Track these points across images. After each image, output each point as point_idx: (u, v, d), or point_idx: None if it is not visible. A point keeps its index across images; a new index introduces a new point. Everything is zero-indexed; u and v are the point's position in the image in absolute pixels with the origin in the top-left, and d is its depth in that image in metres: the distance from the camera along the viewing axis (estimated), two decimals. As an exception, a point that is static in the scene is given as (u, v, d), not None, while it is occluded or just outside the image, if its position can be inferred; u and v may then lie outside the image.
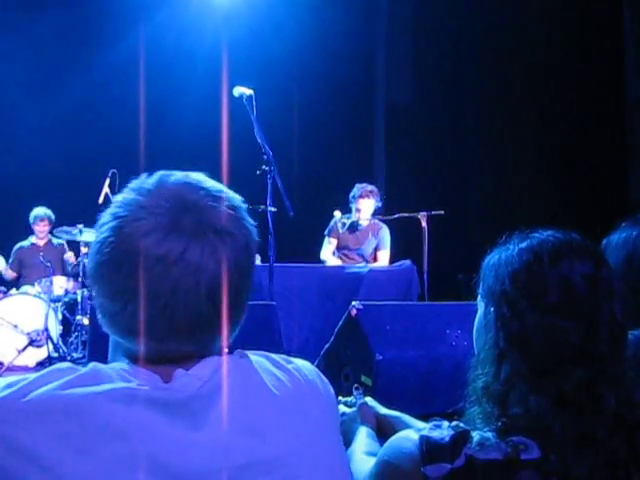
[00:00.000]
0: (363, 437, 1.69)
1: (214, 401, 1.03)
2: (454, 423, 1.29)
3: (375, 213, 7.16)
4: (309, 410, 1.11)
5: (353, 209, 7.08)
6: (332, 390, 1.20)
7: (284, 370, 1.13)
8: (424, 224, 6.30)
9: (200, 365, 1.07)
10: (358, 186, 7.05)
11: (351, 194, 7.06)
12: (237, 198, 1.15)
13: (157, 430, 0.98)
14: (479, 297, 1.45)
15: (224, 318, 1.10)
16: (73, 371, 1.02)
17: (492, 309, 1.36)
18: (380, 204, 7.11)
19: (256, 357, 1.13)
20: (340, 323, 4.46)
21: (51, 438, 0.94)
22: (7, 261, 8.09)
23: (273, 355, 1.16)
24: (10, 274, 8.08)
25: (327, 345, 4.50)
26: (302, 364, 1.18)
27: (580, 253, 1.34)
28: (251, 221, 1.15)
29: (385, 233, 7.17)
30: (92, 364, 1.04)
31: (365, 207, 7.01)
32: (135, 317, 1.05)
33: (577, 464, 1.20)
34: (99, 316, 1.12)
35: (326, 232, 7.26)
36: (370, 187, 7.05)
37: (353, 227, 7.14)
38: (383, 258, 7.15)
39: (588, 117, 8.00)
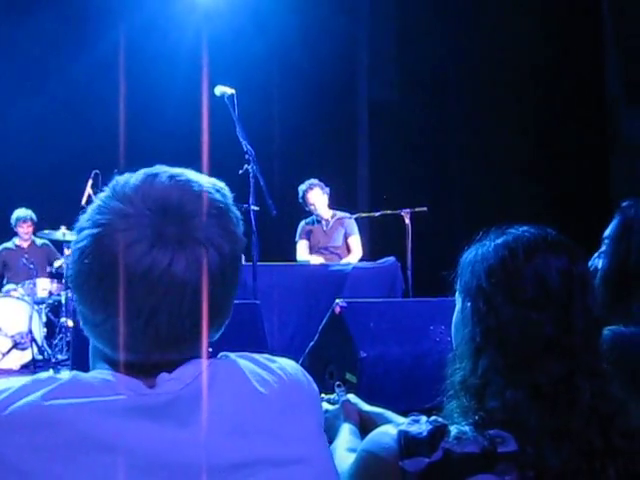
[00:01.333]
0: (346, 434, 1.70)
1: (199, 402, 1.02)
2: (432, 418, 1.30)
3: (336, 208, 7.29)
4: (295, 409, 1.10)
5: (310, 209, 7.21)
6: (316, 388, 1.19)
7: (268, 370, 1.12)
8: (407, 221, 6.32)
9: (184, 368, 1.05)
10: (299, 188, 7.21)
11: (299, 197, 7.21)
12: (226, 195, 1.11)
13: (143, 437, 0.97)
14: (457, 293, 1.46)
15: (207, 327, 1.08)
16: (53, 381, 0.99)
17: (469, 304, 1.37)
18: (327, 189, 7.20)
19: (240, 358, 1.12)
20: (324, 321, 4.47)
21: (36, 451, 0.93)
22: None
23: (256, 355, 1.15)
24: None
25: (311, 343, 4.52)
26: (286, 363, 1.17)
27: (555, 248, 1.36)
28: (238, 218, 1.11)
29: (351, 221, 7.26)
30: (73, 373, 1.02)
31: (316, 199, 7.13)
32: (116, 331, 1.02)
33: (553, 456, 1.21)
34: (80, 323, 1.10)
35: (296, 238, 7.35)
36: (309, 181, 7.19)
37: (319, 223, 7.23)
38: (354, 243, 7.23)
39: (570, 114, 8.05)
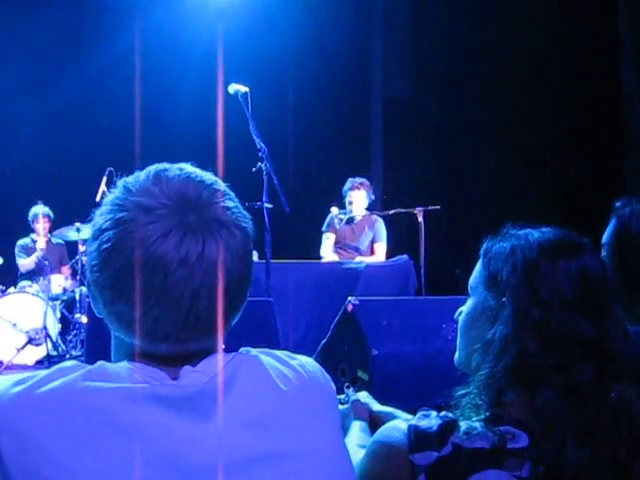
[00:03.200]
0: (356, 431, 1.71)
1: (222, 396, 1.04)
2: (442, 413, 1.30)
3: (370, 208, 7.20)
4: (313, 405, 1.12)
5: (346, 203, 7.15)
6: (333, 386, 1.21)
7: (289, 366, 1.13)
8: (420, 219, 6.31)
9: (206, 361, 1.07)
10: (350, 179, 7.16)
11: (344, 188, 7.16)
12: (228, 189, 1.14)
13: (165, 427, 0.99)
14: (477, 284, 1.45)
15: (238, 310, 1.12)
16: (81, 367, 1.02)
17: (504, 300, 1.36)
18: (373, 197, 7.18)
19: (262, 354, 1.14)
20: (336, 319, 4.48)
21: (61, 434, 0.95)
22: (4, 258, 8.04)
23: (277, 352, 1.17)
24: (26, 264, 8.06)
25: (324, 341, 4.53)
26: (305, 360, 1.19)
27: (592, 252, 1.38)
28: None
29: (381, 226, 7.22)
30: (100, 362, 1.04)
31: (357, 199, 7.09)
32: (158, 322, 1.04)
33: (575, 453, 1.21)
34: (112, 323, 1.10)
35: (323, 228, 7.29)
36: (361, 180, 7.16)
37: (349, 221, 7.18)
38: (380, 250, 7.19)
39: (585, 109, 8.01)
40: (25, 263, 7.99)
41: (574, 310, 1.30)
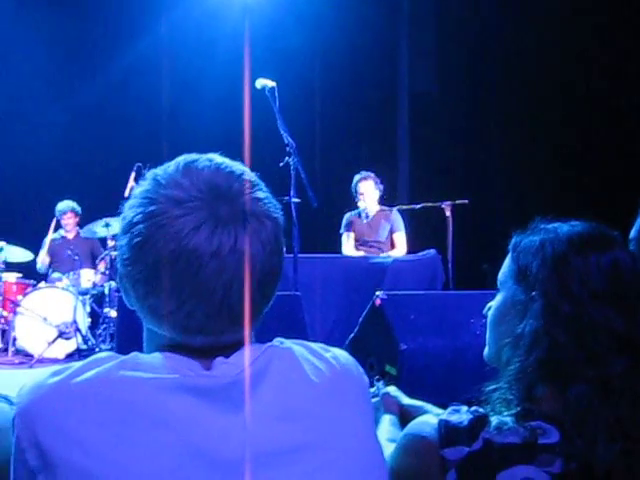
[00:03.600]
0: (386, 425, 1.71)
1: (254, 387, 1.04)
2: (473, 408, 1.30)
3: (382, 202, 7.27)
4: (346, 398, 1.12)
5: (358, 197, 7.20)
6: (366, 379, 1.20)
7: (322, 359, 1.13)
8: (448, 213, 6.30)
9: (240, 353, 1.07)
10: (355, 176, 7.23)
11: (352, 186, 7.22)
12: (258, 179, 1.14)
13: (198, 417, 0.99)
14: (506, 279, 1.44)
15: (268, 301, 1.12)
16: (115, 358, 1.03)
17: (534, 294, 1.35)
18: (381, 187, 7.21)
19: (295, 345, 1.14)
20: (364, 313, 4.47)
21: (96, 423, 0.96)
22: (35, 253, 8.13)
23: (311, 344, 1.16)
24: (45, 260, 8.13)
25: (351, 335, 4.52)
26: (339, 353, 1.18)
27: (621, 245, 1.36)
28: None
29: (397, 216, 7.26)
30: (134, 353, 1.05)
31: (367, 190, 7.14)
32: (192, 315, 1.03)
33: (606, 450, 1.20)
34: (145, 317, 1.11)
35: (342, 230, 7.35)
36: (366, 172, 7.21)
37: (365, 217, 7.21)
38: (400, 240, 7.21)
39: (613, 102, 7.92)
40: (39, 259, 8.09)
41: (604, 303, 1.29)
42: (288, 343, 1.14)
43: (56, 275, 7.85)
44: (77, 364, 1.03)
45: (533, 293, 1.35)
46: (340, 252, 7.25)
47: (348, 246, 7.25)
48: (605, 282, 1.30)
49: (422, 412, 1.71)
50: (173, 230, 1.02)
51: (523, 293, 1.38)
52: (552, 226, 1.40)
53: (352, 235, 7.27)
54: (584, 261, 1.32)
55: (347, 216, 7.35)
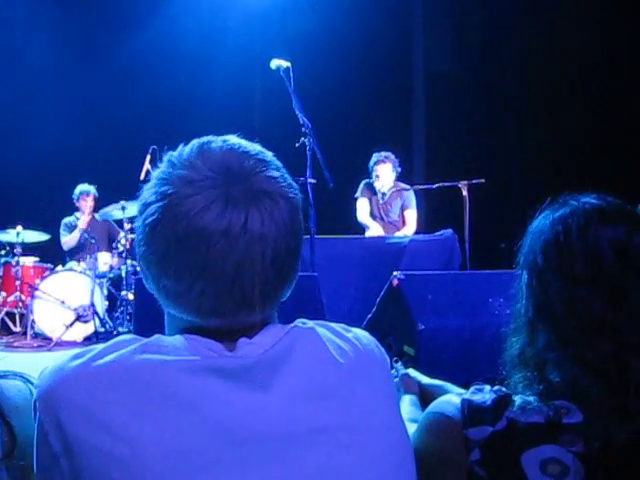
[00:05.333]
0: (406, 405, 1.70)
1: (279, 367, 1.04)
2: (496, 387, 1.29)
3: (400, 180, 7.26)
4: (370, 378, 1.12)
5: (374, 178, 7.21)
6: (388, 359, 1.20)
7: (344, 339, 1.13)
8: (465, 193, 6.27)
9: (263, 333, 1.07)
10: (375, 154, 7.22)
11: (369, 164, 7.23)
12: (275, 158, 1.13)
13: (224, 397, 0.99)
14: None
15: (287, 283, 1.11)
16: (138, 340, 1.03)
17: (525, 277, 1.36)
18: (399, 169, 7.20)
19: (318, 326, 1.13)
20: (382, 293, 4.46)
21: (119, 406, 0.96)
22: (51, 236, 8.16)
23: (333, 324, 1.16)
24: (68, 241, 8.16)
25: (369, 316, 4.52)
26: (360, 333, 1.18)
27: (612, 219, 1.31)
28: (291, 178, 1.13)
29: (409, 193, 7.27)
30: (156, 335, 1.05)
31: (383, 173, 7.14)
32: (203, 295, 1.03)
33: (617, 430, 1.19)
34: (160, 298, 1.10)
35: (357, 194, 7.36)
36: (386, 153, 7.19)
37: (381, 197, 7.22)
38: (410, 218, 7.23)
39: (632, 85, 7.84)
40: (67, 240, 8.11)
41: (579, 285, 1.27)
42: (311, 324, 1.13)
43: (73, 264, 7.87)
44: (99, 347, 1.03)
45: (525, 277, 1.36)
46: (355, 229, 7.26)
47: (363, 212, 7.26)
48: (586, 265, 1.28)
49: (443, 391, 1.71)
50: (184, 209, 1.02)
51: (520, 276, 1.39)
52: (552, 207, 1.39)
53: (366, 202, 7.28)
54: (567, 245, 1.30)
55: (364, 183, 7.33)
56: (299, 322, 1.13)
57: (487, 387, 1.30)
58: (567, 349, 1.26)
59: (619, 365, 1.23)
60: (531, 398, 1.24)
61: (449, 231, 6.58)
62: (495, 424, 1.23)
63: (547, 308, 1.30)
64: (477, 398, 1.27)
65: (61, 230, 8.23)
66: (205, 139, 1.12)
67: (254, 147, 1.11)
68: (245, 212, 1.01)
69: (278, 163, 1.12)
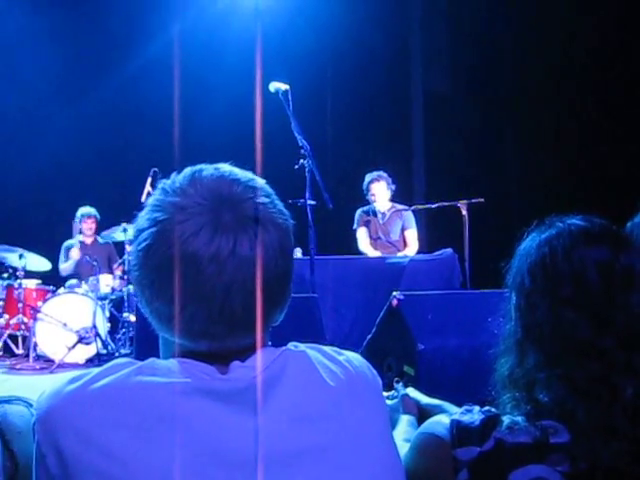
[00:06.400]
0: (403, 425, 1.72)
1: (270, 390, 1.06)
2: (485, 408, 1.31)
3: (395, 199, 7.31)
4: (360, 400, 1.13)
5: (369, 198, 7.26)
6: (380, 381, 1.22)
7: (336, 362, 1.15)
8: (464, 212, 6.29)
9: (256, 356, 1.09)
10: (367, 175, 7.28)
11: (363, 185, 7.26)
12: (266, 185, 1.15)
13: (215, 420, 1.01)
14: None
15: (278, 307, 1.13)
16: (133, 364, 1.05)
17: (513, 298, 1.38)
18: (393, 187, 7.25)
19: (309, 349, 1.15)
20: (381, 314, 4.46)
21: (115, 427, 0.98)
22: (51, 261, 8.17)
23: (324, 347, 1.18)
24: (65, 268, 8.18)
25: (369, 336, 4.52)
26: (352, 356, 1.20)
27: (597, 240, 1.33)
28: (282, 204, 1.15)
29: (408, 214, 7.30)
30: (151, 358, 1.07)
31: (379, 191, 7.19)
32: (194, 319, 1.06)
33: (603, 451, 1.20)
34: (153, 321, 1.13)
35: (355, 225, 7.39)
36: (378, 172, 7.25)
37: (381, 217, 7.23)
38: (411, 238, 7.25)
39: (628, 100, 7.87)
40: (64, 267, 8.14)
41: (566, 308, 1.29)
42: (302, 347, 1.16)
43: (73, 281, 7.90)
44: (95, 370, 1.05)
45: (513, 298, 1.39)
46: (355, 251, 7.28)
47: (364, 242, 7.28)
48: (572, 288, 1.29)
49: (440, 411, 1.72)
50: (175, 235, 1.05)
51: (509, 297, 1.42)
52: (538, 230, 1.41)
53: (365, 231, 7.32)
54: (553, 268, 1.33)
55: (359, 212, 7.38)
56: (291, 345, 1.15)
57: (476, 408, 1.31)
58: (555, 369, 1.27)
59: (606, 386, 1.24)
60: (519, 418, 1.26)
61: (449, 250, 6.60)
62: (483, 444, 1.24)
63: (535, 329, 1.32)
64: (466, 419, 1.29)
65: (61, 255, 8.25)
66: (197, 167, 1.15)
67: (245, 175, 1.14)
68: (234, 237, 1.04)
69: (269, 190, 1.14)
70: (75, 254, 8.03)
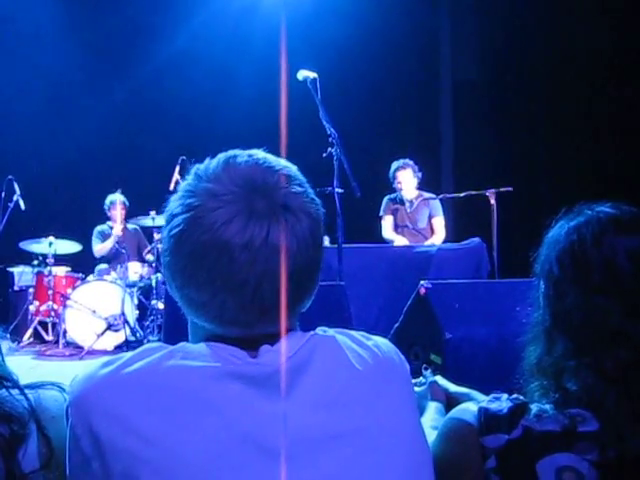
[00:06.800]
0: (431, 412, 1.72)
1: (299, 375, 1.06)
2: (513, 395, 1.30)
3: (421, 187, 7.30)
4: (388, 385, 1.14)
5: (396, 186, 7.25)
6: (408, 366, 1.22)
7: (364, 347, 1.15)
8: (493, 201, 6.25)
9: (285, 340, 1.09)
10: (394, 162, 7.28)
11: (389, 173, 7.27)
12: (299, 173, 1.15)
13: (246, 404, 1.02)
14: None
15: (307, 295, 1.14)
16: (164, 348, 1.06)
17: (542, 286, 1.37)
18: (420, 174, 7.24)
19: (338, 334, 1.16)
20: (409, 302, 4.46)
21: (148, 411, 1.00)
22: (83, 246, 8.24)
23: (353, 332, 1.18)
24: (101, 248, 8.23)
25: (396, 324, 4.52)
26: (381, 341, 1.20)
27: (627, 228, 1.32)
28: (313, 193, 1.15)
29: (435, 202, 7.30)
30: (182, 343, 1.09)
31: (405, 179, 7.18)
32: (225, 306, 1.06)
33: (632, 438, 1.19)
34: (183, 307, 1.14)
35: (381, 212, 7.40)
36: (404, 160, 7.25)
37: (409, 205, 7.22)
38: (438, 226, 7.25)
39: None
40: (100, 248, 8.17)
41: (596, 295, 1.28)
42: (331, 332, 1.16)
43: (103, 266, 7.98)
44: (128, 354, 1.07)
45: (542, 286, 1.38)
46: (381, 238, 7.26)
47: (389, 229, 7.29)
48: (602, 275, 1.28)
49: (469, 399, 1.72)
50: (208, 222, 1.05)
51: (537, 285, 1.41)
52: (568, 217, 1.40)
53: (391, 219, 7.32)
54: (582, 255, 1.32)
55: (386, 199, 7.39)
56: (320, 330, 1.16)
57: (504, 396, 1.31)
58: (584, 358, 1.27)
59: (636, 373, 1.23)
60: (547, 406, 1.26)
61: (477, 240, 6.56)
62: (511, 432, 1.24)
63: (564, 317, 1.31)
64: (494, 406, 1.29)
65: (94, 238, 8.29)
66: (231, 153, 1.15)
67: (279, 162, 1.14)
68: (267, 226, 1.05)
69: (302, 178, 1.14)
70: (117, 232, 8.04)
